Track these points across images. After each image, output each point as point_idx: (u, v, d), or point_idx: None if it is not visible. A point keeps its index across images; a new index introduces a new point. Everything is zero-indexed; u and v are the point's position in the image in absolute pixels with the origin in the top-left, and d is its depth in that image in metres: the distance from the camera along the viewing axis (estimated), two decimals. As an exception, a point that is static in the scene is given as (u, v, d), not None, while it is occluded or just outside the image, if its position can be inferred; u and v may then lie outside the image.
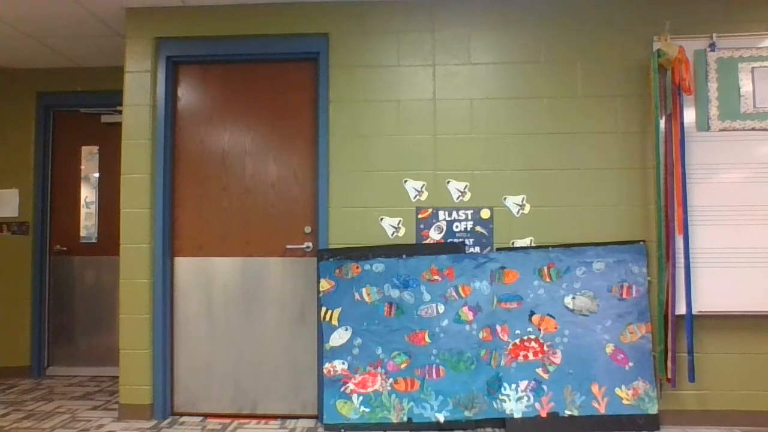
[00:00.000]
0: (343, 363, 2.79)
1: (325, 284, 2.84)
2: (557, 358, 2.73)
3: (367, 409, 2.74)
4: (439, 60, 2.95)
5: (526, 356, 2.74)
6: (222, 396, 2.99)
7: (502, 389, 2.71)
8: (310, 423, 2.89)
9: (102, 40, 3.44)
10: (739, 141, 2.78)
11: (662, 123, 2.78)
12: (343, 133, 2.94)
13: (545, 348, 2.74)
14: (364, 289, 2.82)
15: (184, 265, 3.05)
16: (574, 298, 2.76)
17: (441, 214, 2.88)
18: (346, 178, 2.92)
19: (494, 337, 2.76)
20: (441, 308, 2.78)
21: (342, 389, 2.77)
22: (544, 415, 2.68)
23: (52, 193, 4.00)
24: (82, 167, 4.02)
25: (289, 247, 3.00)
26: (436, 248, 2.84)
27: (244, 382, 2.99)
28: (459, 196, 2.89)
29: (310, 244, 2.99)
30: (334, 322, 2.82)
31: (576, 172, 2.87)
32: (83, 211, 4.00)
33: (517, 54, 2.93)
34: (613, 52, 2.89)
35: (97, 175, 4.01)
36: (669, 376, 2.68)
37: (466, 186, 2.89)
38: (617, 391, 2.69)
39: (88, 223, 3.99)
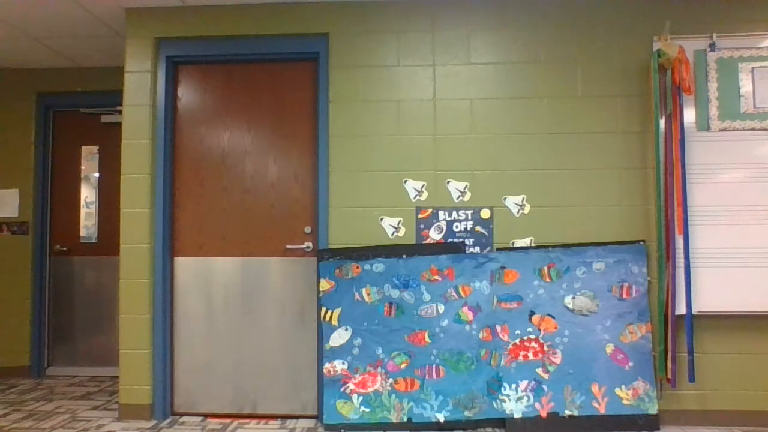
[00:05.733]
0: (343, 363, 2.79)
1: (325, 284, 2.84)
2: (557, 358, 2.73)
3: (367, 409, 2.74)
4: (439, 60, 2.95)
5: (526, 356, 2.74)
6: (222, 396, 2.99)
7: (502, 389, 2.71)
8: (310, 423, 2.89)
9: (102, 40, 3.44)
10: (739, 141, 2.78)
11: (662, 123, 2.78)
12: (343, 133, 2.94)
13: (545, 348, 2.74)
14: (364, 289, 2.82)
15: (184, 265, 3.05)
16: (574, 298, 2.76)
17: (441, 214, 2.88)
18: (346, 178, 2.92)
19: (494, 337, 2.76)
20: (441, 308, 2.78)
21: (342, 389, 2.77)
22: (544, 415, 2.68)
23: (52, 193, 4.00)
24: (82, 167, 4.02)
25: (289, 247, 3.00)
26: (436, 248, 2.84)
27: (244, 382, 2.99)
28: (459, 196, 2.89)
29: (310, 244, 2.99)
30: (334, 322, 2.82)
31: (576, 172, 2.87)
32: (83, 211, 4.00)
33: (517, 54, 2.93)
34: (613, 52, 2.89)
35: (97, 175, 4.01)
36: (669, 376, 2.68)
37: (466, 186, 2.89)
38: (617, 391, 2.69)
39: (88, 223, 3.99)
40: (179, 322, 3.04)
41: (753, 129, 2.78)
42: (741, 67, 2.80)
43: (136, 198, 2.97)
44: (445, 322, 2.77)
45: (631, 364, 2.71)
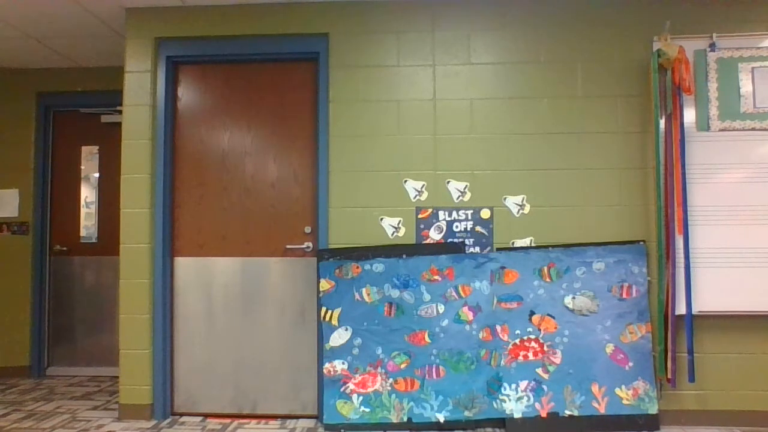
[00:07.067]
0: (343, 363, 2.79)
1: (325, 284, 2.84)
2: (557, 358, 2.73)
3: (367, 409, 2.74)
4: (439, 60, 2.95)
5: (526, 356, 2.74)
6: (222, 396, 2.99)
7: (502, 389, 2.71)
8: (310, 423, 2.89)
9: (102, 40, 3.44)
10: (739, 141, 2.78)
11: (662, 123, 2.78)
12: (343, 133, 2.94)
13: (545, 348, 2.74)
14: (364, 289, 2.82)
15: (184, 265, 3.05)
16: (574, 298, 2.76)
17: (441, 214, 2.88)
18: (346, 178, 2.92)
19: (494, 337, 2.76)
20: (441, 308, 2.78)
21: (342, 389, 2.77)
22: (544, 415, 2.68)
23: (52, 193, 4.00)
24: (82, 167, 4.02)
25: (289, 247, 3.00)
26: (436, 248, 2.84)
27: (244, 382, 2.99)
28: (459, 196, 2.89)
29: (310, 244, 2.99)
30: (334, 322, 2.82)
31: (576, 172, 2.87)
32: (83, 211, 4.00)
33: (517, 54, 2.93)
34: (613, 52, 2.89)
35: (97, 175, 4.01)
36: (669, 376, 2.68)
37: (466, 186, 2.89)
38: (617, 391, 2.69)
39: (88, 223, 3.99)
40: (179, 322, 3.04)
41: (753, 129, 2.78)
42: (741, 67, 2.80)
43: (136, 198, 2.97)
44: (445, 322, 2.77)
45: (631, 364, 2.71)
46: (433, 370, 2.75)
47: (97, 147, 4.02)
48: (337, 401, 2.76)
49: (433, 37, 2.95)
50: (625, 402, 2.68)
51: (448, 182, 2.90)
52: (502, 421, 2.70)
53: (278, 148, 3.05)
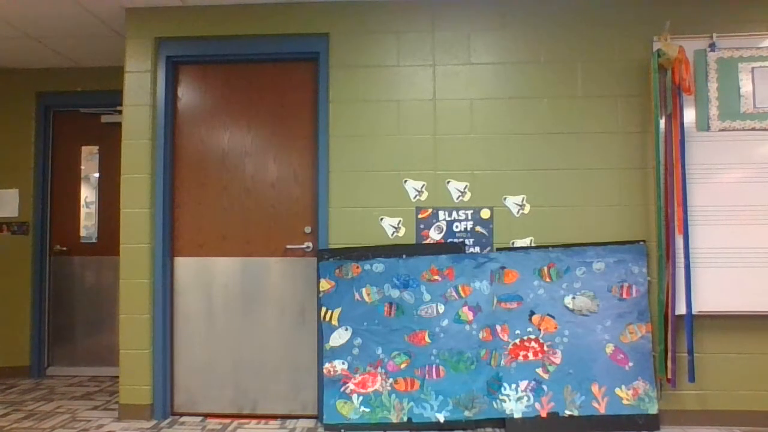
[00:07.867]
0: (343, 363, 2.79)
1: (325, 284, 2.84)
2: (557, 358, 2.73)
3: (367, 409, 2.74)
4: (439, 60, 2.95)
5: (526, 356, 2.74)
6: (222, 396, 2.99)
7: (502, 389, 2.71)
8: (310, 423, 2.89)
9: (102, 40, 3.44)
10: (739, 141, 2.78)
11: (662, 123, 2.78)
12: (343, 133, 2.94)
13: (545, 348, 2.74)
14: (364, 289, 2.82)
15: (184, 264, 3.05)
16: (574, 298, 2.76)
17: (441, 214, 2.88)
18: (346, 178, 2.92)
19: (494, 337, 2.76)
20: (441, 308, 2.78)
21: (342, 389, 2.77)
22: (544, 415, 2.68)
23: (52, 193, 4.00)
24: (82, 167, 4.02)
25: (289, 247, 3.00)
26: (436, 248, 2.84)
27: (244, 382, 2.99)
28: (459, 196, 2.89)
29: (310, 244, 2.99)
30: (334, 322, 2.82)
31: (576, 172, 2.87)
32: (83, 211, 4.00)
33: (517, 54, 2.93)
34: (613, 52, 2.89)
35: (97, 175, 4.01)
36: (669, 376, 2.68)
37: (466, 186, 2.89)
38: (617, 391, 2.69)
39: (88, 223, 3.99)
40: (179, 322, 3.04)
41: (753, 129, 2.78)
42: (741, 67, 2.80)
43: (136, 198, 2.97)
44: (445, 322, 2.77)
45: (631, 364, 2.71)
46: (433, 370, 2.75)
47: (97, 147, 4.02)
48: (337, 401, 2.76)
49: (433, 37, 2.95)
50: (625, 402, 2.68)
51: (448, 182, 2.90)
52: (502, 421, 2.70)
53: (278, 148, 3.05)
